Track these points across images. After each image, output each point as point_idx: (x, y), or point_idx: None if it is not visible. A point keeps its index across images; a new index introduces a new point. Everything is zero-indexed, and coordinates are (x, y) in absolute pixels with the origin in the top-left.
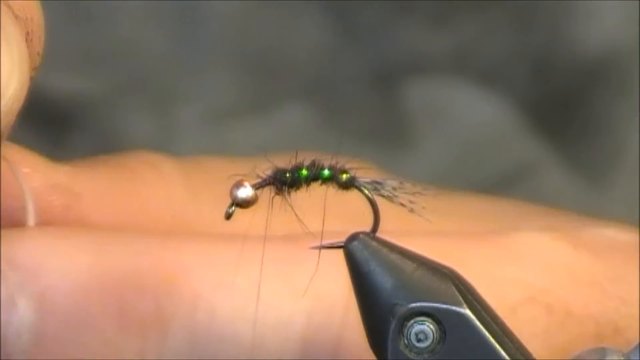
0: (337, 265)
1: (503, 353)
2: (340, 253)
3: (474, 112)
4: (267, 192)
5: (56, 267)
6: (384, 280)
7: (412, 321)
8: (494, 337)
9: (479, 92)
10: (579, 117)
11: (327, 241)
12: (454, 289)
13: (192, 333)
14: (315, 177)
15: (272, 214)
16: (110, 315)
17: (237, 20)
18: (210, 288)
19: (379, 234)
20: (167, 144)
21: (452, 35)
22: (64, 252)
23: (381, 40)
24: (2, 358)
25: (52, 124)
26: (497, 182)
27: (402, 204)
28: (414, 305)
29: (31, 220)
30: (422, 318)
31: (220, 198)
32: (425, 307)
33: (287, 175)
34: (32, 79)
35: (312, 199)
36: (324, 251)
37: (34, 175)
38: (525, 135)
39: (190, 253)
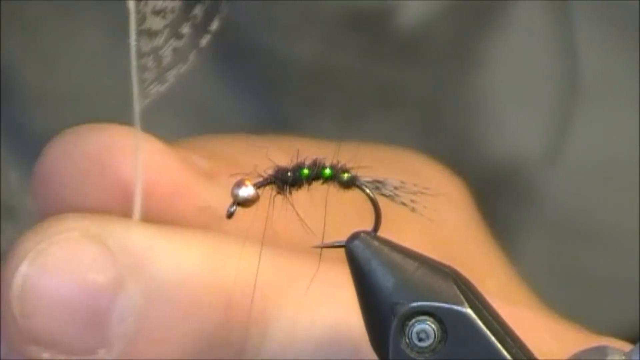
0: None
1: (504, 352)
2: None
3: None
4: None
5: (166, 257)
6: (385, 279)
7: (413, 320)
8: (495, 336)
9: None
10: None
11: (328, 241)
12: (455, 288)
13: (290, 337)
14: (316, 176)
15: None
16: (217, 308)
17: None
18: (315, 297)
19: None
20: None
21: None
22: (175, 245)
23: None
24: (99, 343)
25: None
26: None
27: (403, 203)
28: (415, 304)
29: (136, 214)
30: (423, 317)
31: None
32: (426, 306)
33: (289, 174)
34: None
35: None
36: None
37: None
38: None
39: (299, 265)
